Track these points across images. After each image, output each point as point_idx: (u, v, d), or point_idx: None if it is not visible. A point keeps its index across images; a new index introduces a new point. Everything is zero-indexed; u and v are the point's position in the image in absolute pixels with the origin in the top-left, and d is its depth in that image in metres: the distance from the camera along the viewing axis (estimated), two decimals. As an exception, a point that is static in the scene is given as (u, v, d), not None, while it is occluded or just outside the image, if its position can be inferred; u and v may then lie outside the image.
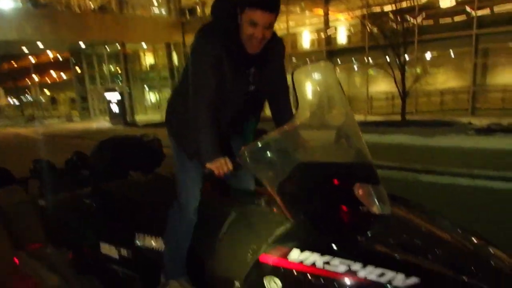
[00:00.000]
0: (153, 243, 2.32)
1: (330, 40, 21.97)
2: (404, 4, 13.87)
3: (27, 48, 27.80)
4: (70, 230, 2.84)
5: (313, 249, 1.56)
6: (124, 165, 2.95)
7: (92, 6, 27.74)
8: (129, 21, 25.92)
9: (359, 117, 17.21)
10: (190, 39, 26.84)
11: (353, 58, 20.69)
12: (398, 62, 13.48)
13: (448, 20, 17.27)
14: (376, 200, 1.75)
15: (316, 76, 2.04)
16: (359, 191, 1.74)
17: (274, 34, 1.97)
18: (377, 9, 15.05)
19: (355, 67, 21.86)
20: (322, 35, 21.95)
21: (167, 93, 29.73)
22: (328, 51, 21.44)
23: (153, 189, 2.72)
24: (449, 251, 1.62)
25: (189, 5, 27.75)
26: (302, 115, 1.89)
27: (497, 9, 16.39)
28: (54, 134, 20.18)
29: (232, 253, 2.02)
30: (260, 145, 1.83)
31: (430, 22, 17.13)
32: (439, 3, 17.46)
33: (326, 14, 21.17)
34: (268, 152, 1.85)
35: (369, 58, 18.93)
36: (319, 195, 1.80)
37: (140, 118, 26.36)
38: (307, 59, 23.47)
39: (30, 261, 3.05)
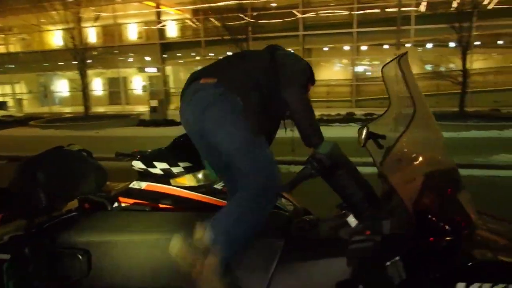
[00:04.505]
0: None
1: (163, 33, 21.08)
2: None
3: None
4: None
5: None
6: (66, 187, 2.05)
7: None
8: None
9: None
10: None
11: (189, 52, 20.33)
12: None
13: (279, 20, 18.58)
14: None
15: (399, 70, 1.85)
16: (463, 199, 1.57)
17: None
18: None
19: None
20: (154, 28, 20.87)
21: None
22: (162, 44, 20.50)
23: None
24: None
25: None
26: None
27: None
28: None
29: None
30: None
31: (264, 21, 18.03)
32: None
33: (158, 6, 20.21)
34: None
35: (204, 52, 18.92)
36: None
37: None
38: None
39: None
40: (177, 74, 23.08)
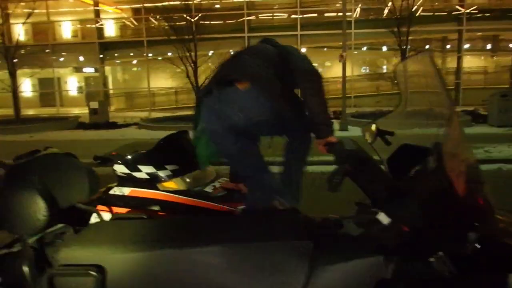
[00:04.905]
0: None
1: (102, 32, 20.01)
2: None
3: None
4: None
5: None
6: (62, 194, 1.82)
7: None
8: None
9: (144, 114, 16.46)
10: None
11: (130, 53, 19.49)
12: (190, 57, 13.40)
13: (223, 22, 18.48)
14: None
15: (417, 68, 1.96)
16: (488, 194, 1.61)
17: None
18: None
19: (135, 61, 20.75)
20: (92, 26, 19.77)
21: None
22: (101, 43, 19.48)
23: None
24: None
25: None
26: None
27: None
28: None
29: None
30: None
31: (209, 22, 17.81)
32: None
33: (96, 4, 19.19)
34: None
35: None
36: None
37: None
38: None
39: None
40: (116, 75, 22.06)
